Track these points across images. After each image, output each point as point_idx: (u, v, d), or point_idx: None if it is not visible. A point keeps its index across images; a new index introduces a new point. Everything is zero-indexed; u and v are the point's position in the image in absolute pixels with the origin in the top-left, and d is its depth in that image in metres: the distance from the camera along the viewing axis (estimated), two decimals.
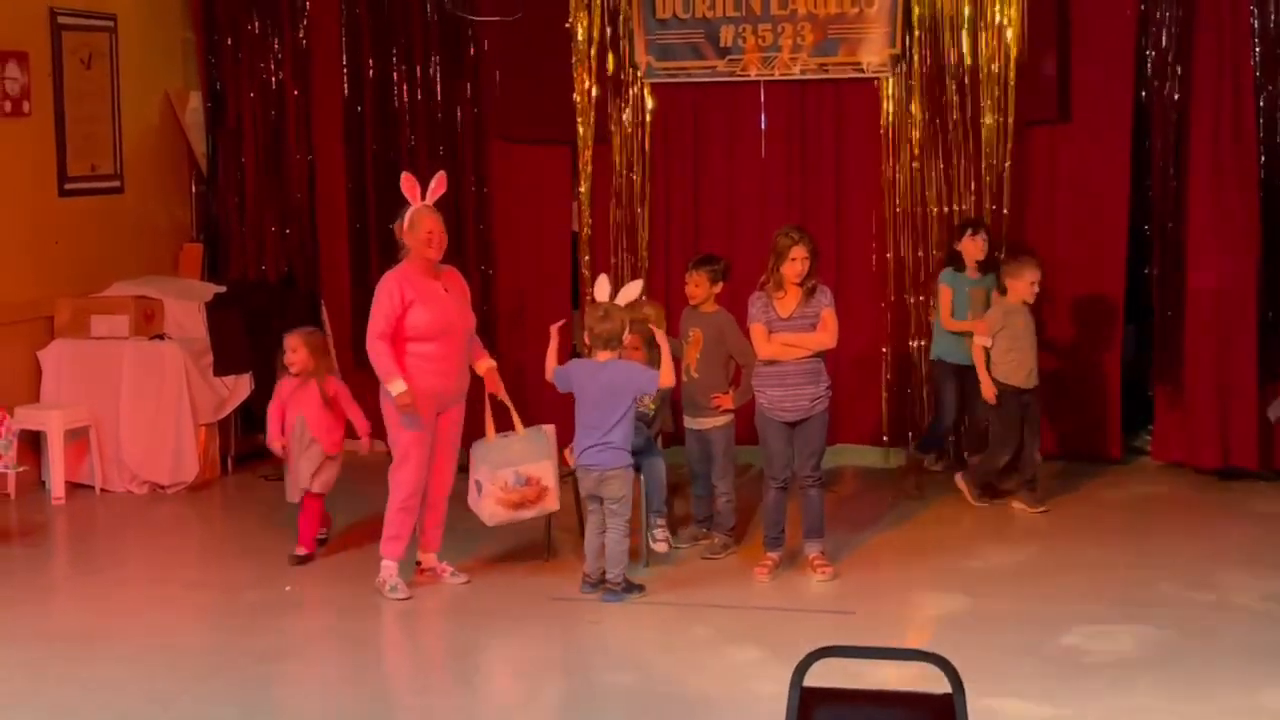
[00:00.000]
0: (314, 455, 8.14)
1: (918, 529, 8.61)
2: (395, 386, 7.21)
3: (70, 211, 10.06)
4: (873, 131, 9.88)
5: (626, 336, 7.43)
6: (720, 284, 8.27)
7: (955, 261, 9.21)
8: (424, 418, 7.33)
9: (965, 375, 9.06)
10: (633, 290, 7.61)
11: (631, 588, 7.37)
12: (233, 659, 6.68)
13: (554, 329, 7.69)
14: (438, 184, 7.49)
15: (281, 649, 6.76)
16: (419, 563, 7.66)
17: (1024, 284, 8.76)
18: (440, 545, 7.70)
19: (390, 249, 10.45)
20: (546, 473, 7.63)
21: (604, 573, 7.37)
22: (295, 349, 8.21)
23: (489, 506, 7.56)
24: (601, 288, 7.58)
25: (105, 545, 8.84)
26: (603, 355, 7.36)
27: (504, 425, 7.72)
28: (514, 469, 7.56)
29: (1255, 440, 9.46)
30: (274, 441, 8.26)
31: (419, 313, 7.29)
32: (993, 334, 8.76)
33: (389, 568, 7.44)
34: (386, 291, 7.33)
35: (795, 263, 7.51)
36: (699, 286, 8.23)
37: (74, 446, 9.65)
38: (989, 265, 9.13)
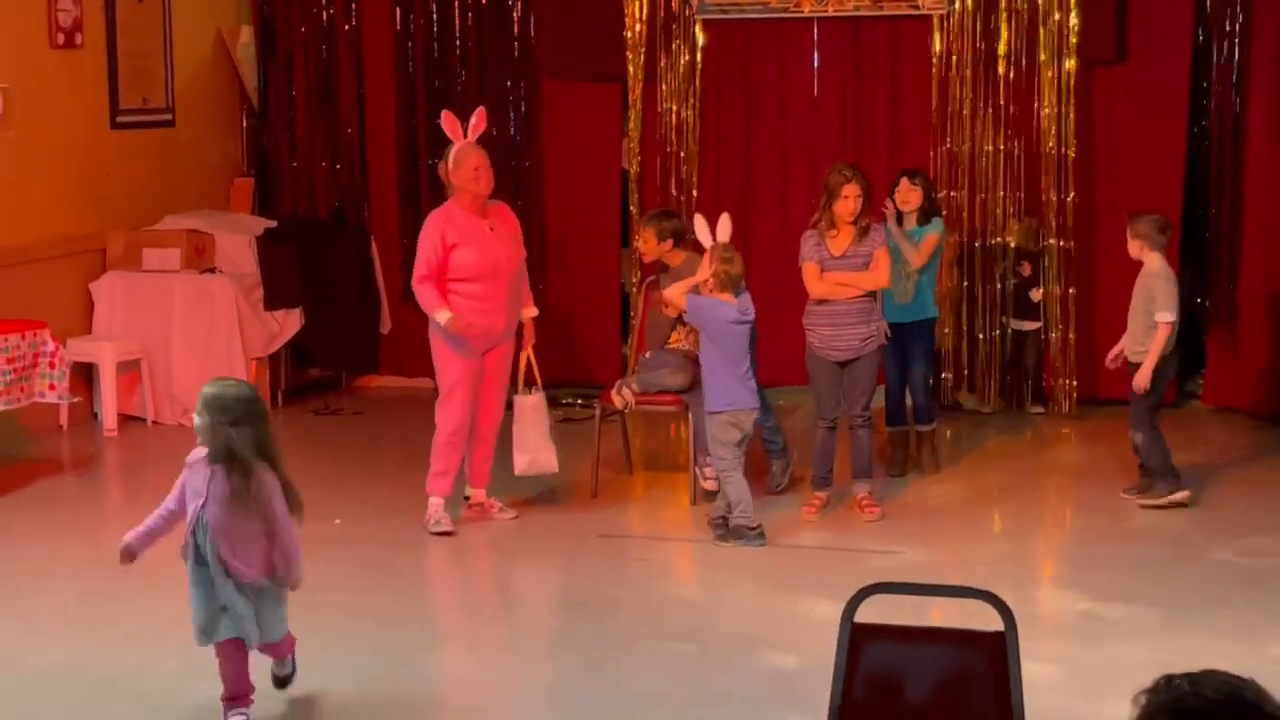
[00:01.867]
0: None
1: (965, 469, 8.58)
2: (441, 315, 7.20)
3: (122, 144, 10.09)
4: (927, 70, 9.79)
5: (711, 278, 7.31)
6: (670, 240, 8.04)
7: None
8: (467, 358, 7.32)
9: (903, 334, 8.26)
10: (728, 226, 7.40)
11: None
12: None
13: (708, 258, 7.32)
14: (478, 120, 7.42)
15: (332, 580, 6.80)
16: (467, 497, 7.69)
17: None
18: (489, 480, 7.71)
19: (441, 184, 10.50)
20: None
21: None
22: None
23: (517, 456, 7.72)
24: (725, 228, 7.34)
25: (156, 477, 8.87)
26: (724, 296, 7.27)
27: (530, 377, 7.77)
28: (499, 423, 7.65)
29: None
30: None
31: (464, 254, 7.24)
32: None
33: (435, 504, 7.45)
34: (428, 235, 7.29)
35: (848, 201, 7.45)
36: (647, 243, 8.09)
37: (126, 379, 9.72)
38: (927, 215, 8.28)
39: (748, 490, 7.24)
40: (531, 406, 7.71)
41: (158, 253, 9.87)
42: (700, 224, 7.41)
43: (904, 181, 8.29)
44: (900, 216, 8.26)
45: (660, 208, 8.87)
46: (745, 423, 7.28)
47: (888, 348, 8.04)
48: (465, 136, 7.37)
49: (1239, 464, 8.70)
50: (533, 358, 7.69)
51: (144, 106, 10.28)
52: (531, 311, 7.68)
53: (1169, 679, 2.14)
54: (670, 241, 8.05)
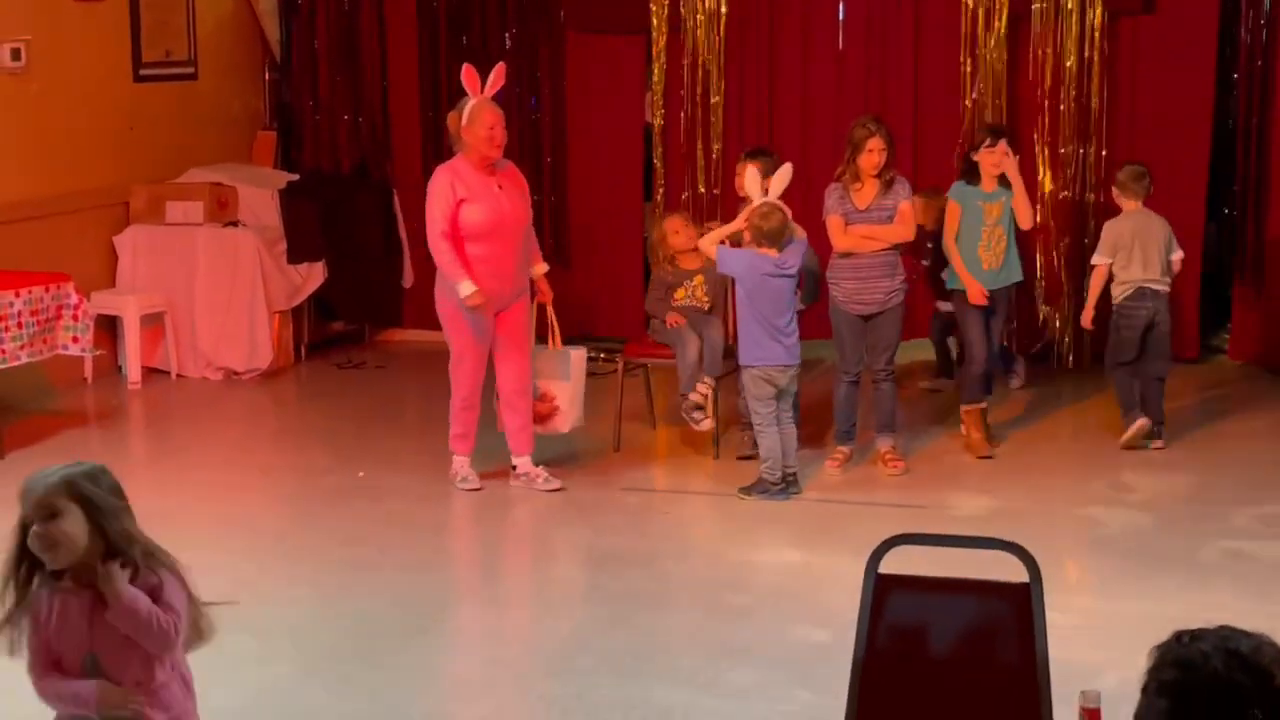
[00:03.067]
0: None
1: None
2: (464, 288, 7.05)
3: (145, 98, 10.07)
4: (953, 23, 9.71)
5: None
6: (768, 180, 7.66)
7: (970, 174, 7.94)
8: (478, 320, 7.20)
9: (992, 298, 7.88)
10: (785, 178, 7.23)
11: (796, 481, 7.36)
12: (311, 542, 6.76)
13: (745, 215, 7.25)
14: (496, 76, 7.22)
15: (358, 534, 6.83)
16: (514, 467, 7.50)
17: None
18: (532, 447, 7.48)
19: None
20: (562, 393, 7.57)
21: (790, 470, 7.29)
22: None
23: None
24: (780, 181, 7.19)
25: (181, 430, 8.94)
26: (763, 250, 7.21)
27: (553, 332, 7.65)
28: (537, 380, 7.55)
29: None
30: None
31: (471, 210, 7.10)
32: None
33: (459, 462, 7.43)
34: (437, 190, 7.15)
35: (872, 154, 7.41)
36: (749, 179, 7.58)
37: (150, 332, 9.74)
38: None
39: (779, 447, 7.22)
40: (583, 361, 7.65)
41: (181, 206, 9.87)
42: (752, 177, 7.24)
43: (1002, 144, 7.77)
44: (972, 177, 7.84)
45: (756, 145, 8.57)
46: (779, 379, 7.25)
47: (982, 313, 7.78)
48: (482, 92, 7.21)
49: (1261, 419, 8.66)
50: (552, 313, 7.58)
51: (166, 59, 10.26)
52: (542, 267, 7.53)
53: (1179, 634, 2.26)
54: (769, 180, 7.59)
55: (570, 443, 7.92)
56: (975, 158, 7.84)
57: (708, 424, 7.81)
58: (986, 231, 7.79)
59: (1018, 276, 7.98)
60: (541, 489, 7.37)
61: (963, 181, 7.92)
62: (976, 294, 7.75)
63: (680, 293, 8.03)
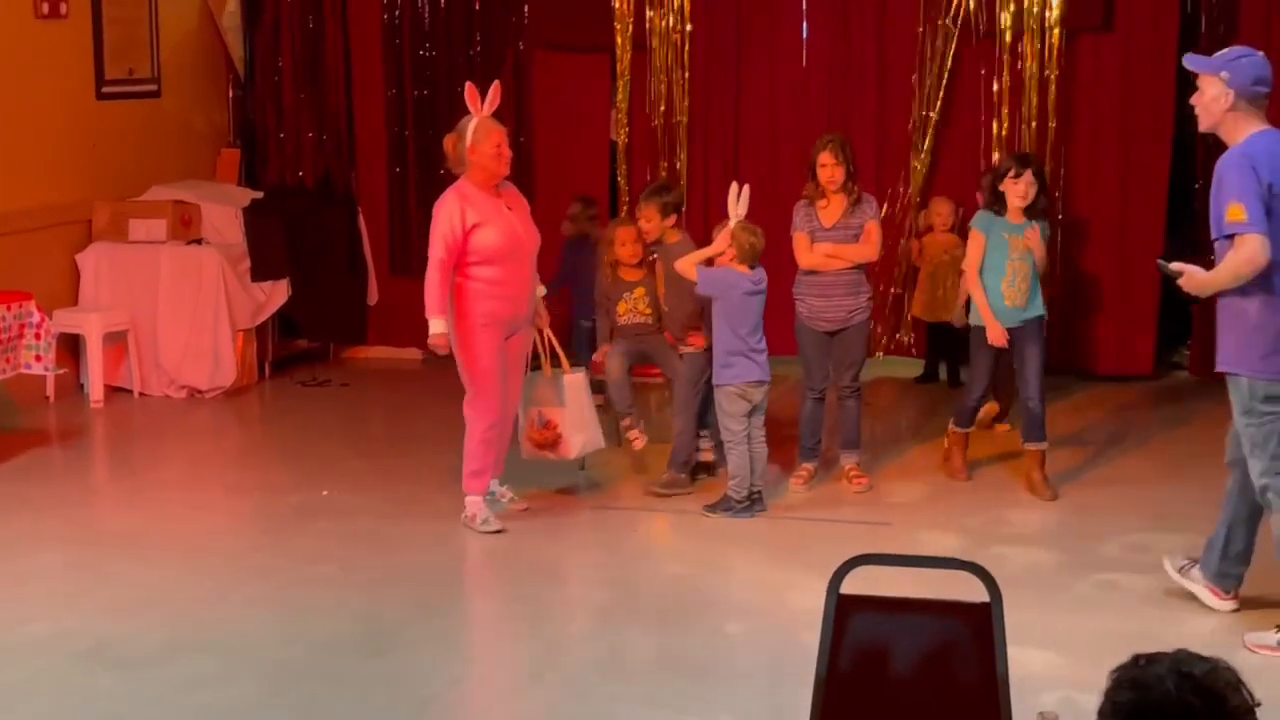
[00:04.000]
0: None
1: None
2: (435, 325, 6.80)
3: (108, 115, 10.04)
4: (915, 41, 9.76)
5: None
6: (674, 216, 7.80)
7: (996, 204, 7.61)
8: (494, 344, 6.95)
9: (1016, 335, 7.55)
10: (746, 197, 7.25)
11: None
12: (275, 561, 6.73)
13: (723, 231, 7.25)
14: (494, 94, 6.97)
15: (322, 552, 6.80)
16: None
17: None
18: (503, 470, 7.36)
19: (429, 154, 10.46)
20: (563, 420, 7.42)
21: (756, 488, 7.28)
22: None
23: (523, 440, 7.49)
24: (744, 200, 7.21)
25: (144, 449, 8.90)
26: (740, 268, 7.21)
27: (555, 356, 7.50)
28: (539, 409, 7.42)
29: None
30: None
31: (485, 234, 6.81)
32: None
33: (474, 503, 7.09)
34: (447, 215, 6.81)
35: (825, 169, 7.45)
36: (650, 221, 7.76)
37: (112, 350, 9.70)
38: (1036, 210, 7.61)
39: (747, 465, 7.23)
40: (580, 385, 7.48)
41: (144, 223, 9.83)
42: (732, 194, 7.24)
43: (1028, 174, 7.44)
44: (999, 207, 7.51)
45: (658, 181, 8.71)
46: (754, 395, 7.27)
47: (995, 351, 7.47)
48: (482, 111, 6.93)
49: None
50: (552, 335, 7.41)
51: (129, 77, 10.23)
52: (541, 290, 7.34)
53: (1136, 656, 2.29)
54: (673, 217, 7.82)
55: (536, 460, 7.90)
56: (1001, 188, 7.47)
57: (641, 443, 7.79)
58: (1011, 266, 7.42)
59: (1040, 311, 7.54)
60: (509, 510, 7.27)
61: (990, 211, 7.56)
62: (997, 336, 7.39)
63: (622, 306, 8.01)
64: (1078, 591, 6.24)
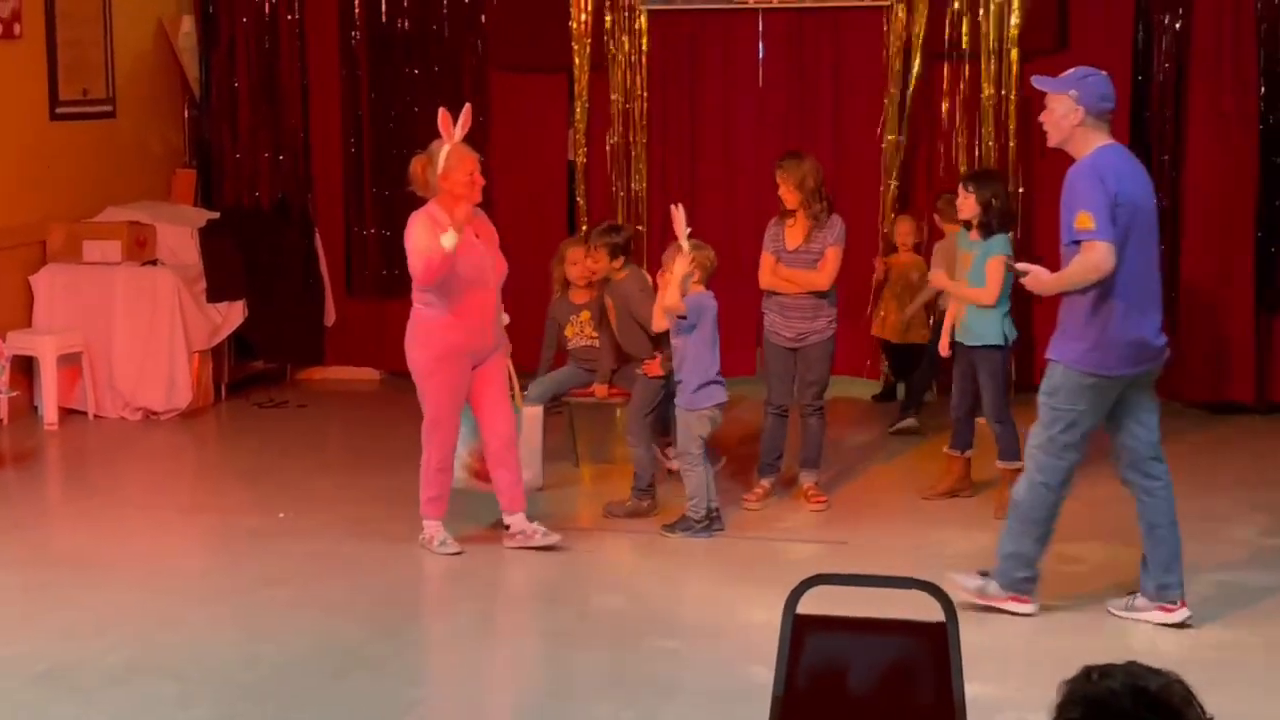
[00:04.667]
0: None
1: (913, 460, 8.62)
2: (448, 239, 6.53)
3: (62, 136, 9.99)
4: (871, 61, 9.82)
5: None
6: (621, 258, 7.81)
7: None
8: (454, 376, 6.83)
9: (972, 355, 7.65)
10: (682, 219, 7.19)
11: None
12: (232, 583, 6.70)
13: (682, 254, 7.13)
14: (465, 117, 6.75)
15: (280, 574, 6.77)
16: (507, 526, 7.10)
17: None
18: (524, 504, 7.08)
19: (386, 175, 10.47)
20: None
21: (715, 506, 7.28)
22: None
23: (459, 470, 7.21)
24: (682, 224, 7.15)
25: (99, 471, 8.85)
26: (700, 288, 7.22)
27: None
28: (514, 435, 7.16)
29: (1251, 374, 9.49)
30: None
31: (455, 262, 6.65)
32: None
33: (431, 526, 6.99)
34: (421, 232, 6.63)
35: (780, 188, 7.53)
36: (598, 262, 7.81)
37: (67, 372, 9.64)
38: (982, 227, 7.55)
39: (705, 486, 7.25)
40: (536, 419, 7.38)
41: (98, 245, 9.78)
42: (679, 217, 7.16)
43: (959, 187, 7.63)
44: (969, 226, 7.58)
45: (606, 223, 8.49)
46: (719, 417, 7.33)
47: (956, 368, 7.62)
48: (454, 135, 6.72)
49: (1183, 456, 8.78)
50: (510, 368, 7.31)
51: (84, 98, 10.18)
52: (505, 318, 7.21)
53: (1088, 670, 2.23)
54: (621, 259, 7.82)
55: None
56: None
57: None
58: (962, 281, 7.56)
59: (992, 339, 7.46)
60: (540, 544, 6.98)
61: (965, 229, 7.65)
62: (943, 345, 7.70)
63: (570, 329, 8.00)
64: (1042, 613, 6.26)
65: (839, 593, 3.48)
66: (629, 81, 10.13)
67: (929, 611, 3.40)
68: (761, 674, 3.47)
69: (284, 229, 10.69)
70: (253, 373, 10.63)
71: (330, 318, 10.85)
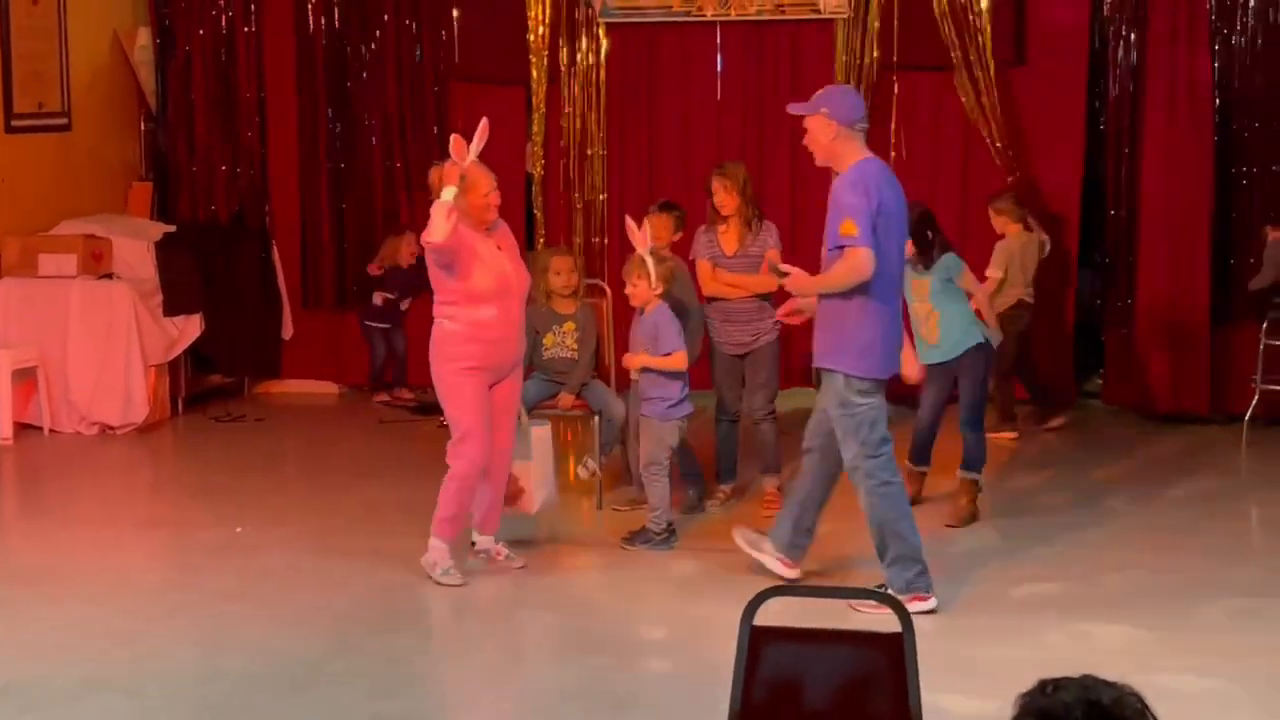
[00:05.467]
0: None
1: None
2: (448, 192, 6.44)
3: (17, 149, 9.92)
4: (829, 74, 9.85)
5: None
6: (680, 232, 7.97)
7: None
8: (479, 389, 6.63)
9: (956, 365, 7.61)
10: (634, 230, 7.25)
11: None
12: (189, 599, 6.66)
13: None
14: (483, 130, 6.63)
15: (237, 590, 6.73)
16: (474, 544, 7.00)
17: None
18: (497, 527, 6.97)
19: (343, 188, 10.46)
20: (525, 473, 7.09)
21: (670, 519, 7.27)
22: None
23: None
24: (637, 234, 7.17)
25: (55, 486, 8.78)
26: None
27: None
28: (510, 462, 7.03)
29: (1206, 385, 9.56)
30: None
31: (478, 273, 6.54)
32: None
33: (439, 549, 6.73)
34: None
35: (715, 194, 7.59)
36: (662, 230, 7.80)
37: (22, 386, 9.56)
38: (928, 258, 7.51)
39: (668, 498, 7.25)
40: (547, 439, 7.26)
41: (54, 258, 9.71)
42: (636, 230, 7.17)
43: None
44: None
45: (661, 200, 8.47)
46: (684, 428, 7.34)
47: (930, 384, 7.54)
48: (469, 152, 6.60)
49: (1137, 465, 8.84)
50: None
51: (39, 110, 10.12)
52: None
53: (1043, 683, 2.23)
54: (680, 232, 7.96)
55: None
56: None
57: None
58: (919, 307, 7.50)
59: (971, 342, 7.47)
60: (506, 566, 6.93)
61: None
62: (907, 373, 7.01)
63: (550, 339, 7.99)
64: (988, 622, 6.28)
65: (799, 604, 3.49)
66: (586, 95, 10.14)
67: (886, 623, 3.41)
68: (720, 687, 3.47)
69: (241, 242, 10.65)
70: (210, 386, 10.58)
71: (288, 331, 10.82)
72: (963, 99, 9.69)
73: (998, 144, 9.66)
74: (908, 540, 6.25)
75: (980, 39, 9.58)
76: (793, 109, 6.34)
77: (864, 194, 6.03)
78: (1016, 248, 9.02)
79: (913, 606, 6.05)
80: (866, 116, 6.31)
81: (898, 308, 6.29)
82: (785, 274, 6.43)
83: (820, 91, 6.36)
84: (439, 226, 6.41)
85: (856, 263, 6.01)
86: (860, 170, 6.12)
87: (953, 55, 9.62)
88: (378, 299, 10.38)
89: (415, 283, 9.61)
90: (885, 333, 6.20)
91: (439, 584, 6.70)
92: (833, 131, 6.14)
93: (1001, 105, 9.68)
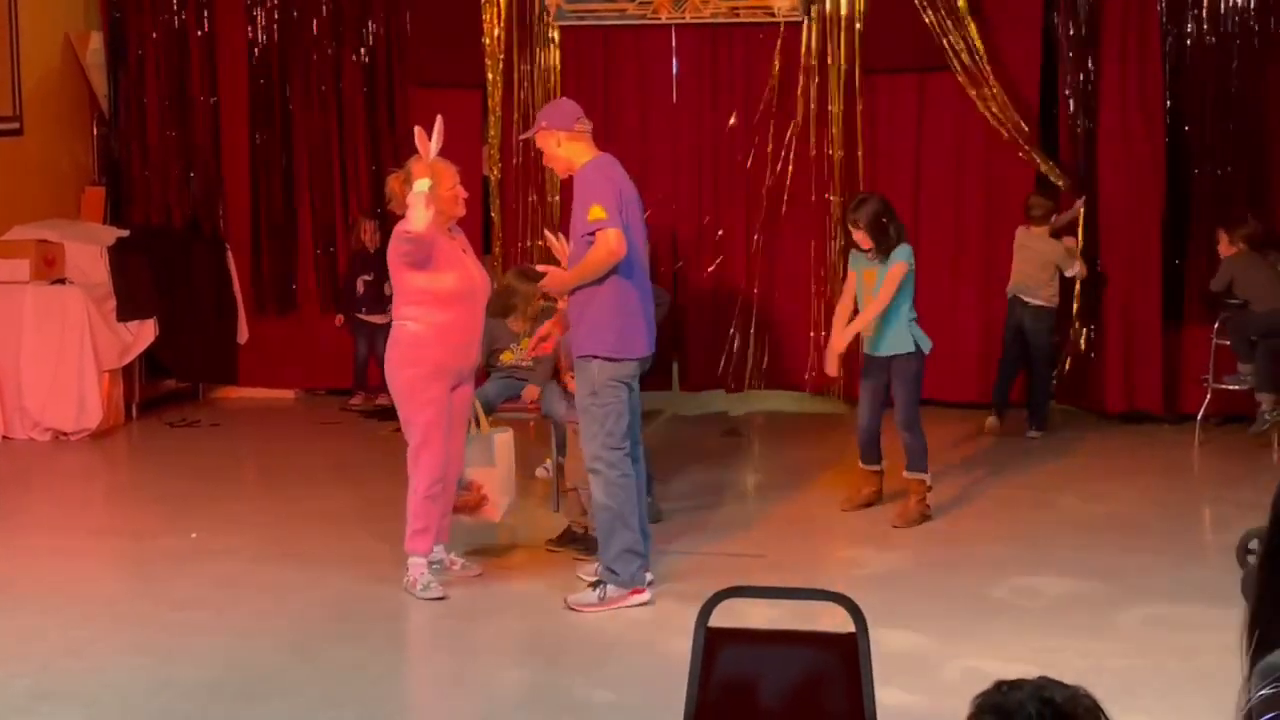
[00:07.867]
0: None
1: (833, 474, 8.65)
2: (422, 184, 6.34)
3: None
4: (784, 75, 9.88)
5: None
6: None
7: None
8: (440, 396, 6.55)
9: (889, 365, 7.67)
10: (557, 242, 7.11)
11: None
12: (144, 607, 6.61)
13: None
14: (439, 130, 6.55)
15: (192, 597, 6.69)
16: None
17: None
18: (448, 536, 6.89)
19: (297, 193, 10.41)
20: (489, 480, 7.06)
21: None
22: None
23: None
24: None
25: (8, 493, 8.69)
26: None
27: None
28: (464, 469, 7.00)
29: (1159, 385, 9.62)
30: None
31: (443, 276, 6.47)
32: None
33: (417, 565, 6.65)
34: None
35: None
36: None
37: None
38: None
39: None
40: (509, 445, 7.18)
41: (6, 264, 9.64)
42: (557, 240, 7.00)
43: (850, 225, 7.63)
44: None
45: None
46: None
47: (865, 382, 7.67)
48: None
49: (1089, 464, 8.89)
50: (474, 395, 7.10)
51: None
52: None
53: (999, 683, 2.30)
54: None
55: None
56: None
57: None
58: (868, 298, 7.52)
59: (905, 348, 7.54)
60: (461, 575, 6.87)
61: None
62: (828, 365, 7.77)
63: (508, 355, 7.97)
64: (947, 622, 6.30)
65: (756, 605, 3.49)
66: (542, 98, 10.12)
67: (842, 624, 3.41)
68: (676, 689, 3.46)
69: (195, 247, 10.61)
70: (164, 392, 10.52)
71: (243, 336, 10.78)
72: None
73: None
74: (634, 533, 6.40)
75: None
76: (521, 136, 6.53)
77: (605, 180, 6.29)
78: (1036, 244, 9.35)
79: (632, 599, 6.39)
80: (585, 116, 6.52)
81: (647, 289, 6.47)
82: (541, 275, 6.58)
83: (540, 110, 6.70)
84: (419, 215, 6.37)
85: (610, 243, 6.18)
86: (595, 164, 6.39)
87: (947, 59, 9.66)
88: (359, 286, 10.34)
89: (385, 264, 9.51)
90: (638, 311, 6.36)
91: (420, 600, 6.59)
92: (556, 139, 6.40)
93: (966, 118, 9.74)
